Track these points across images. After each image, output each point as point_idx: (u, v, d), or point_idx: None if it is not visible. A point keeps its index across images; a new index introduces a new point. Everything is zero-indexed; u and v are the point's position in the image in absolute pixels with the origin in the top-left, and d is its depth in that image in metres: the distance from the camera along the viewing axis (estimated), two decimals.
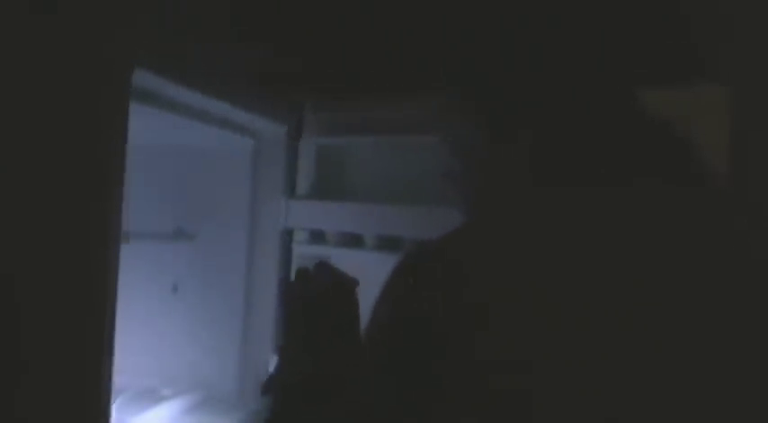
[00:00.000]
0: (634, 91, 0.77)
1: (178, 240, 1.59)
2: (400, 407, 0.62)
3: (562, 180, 0.68)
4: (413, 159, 1.53)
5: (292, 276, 1.03)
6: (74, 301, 0.81)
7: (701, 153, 0.74)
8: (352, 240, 1.52)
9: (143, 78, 0.98)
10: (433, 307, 0.61)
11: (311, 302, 0.89)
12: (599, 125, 0.72)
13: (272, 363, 0.92)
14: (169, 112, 1.23)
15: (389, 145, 1.55)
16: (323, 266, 0.94)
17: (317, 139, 1.59)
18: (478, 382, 0.58)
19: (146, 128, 1.26)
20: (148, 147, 1.51)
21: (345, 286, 0.92)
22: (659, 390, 0.58)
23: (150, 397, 1.46)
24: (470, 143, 0.77)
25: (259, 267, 1.58)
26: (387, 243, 1.46)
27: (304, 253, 1.59)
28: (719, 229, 0.67)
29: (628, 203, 0.65)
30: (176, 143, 1.59)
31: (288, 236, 1.61)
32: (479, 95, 0.75)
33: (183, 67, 1.10)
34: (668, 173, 0.70)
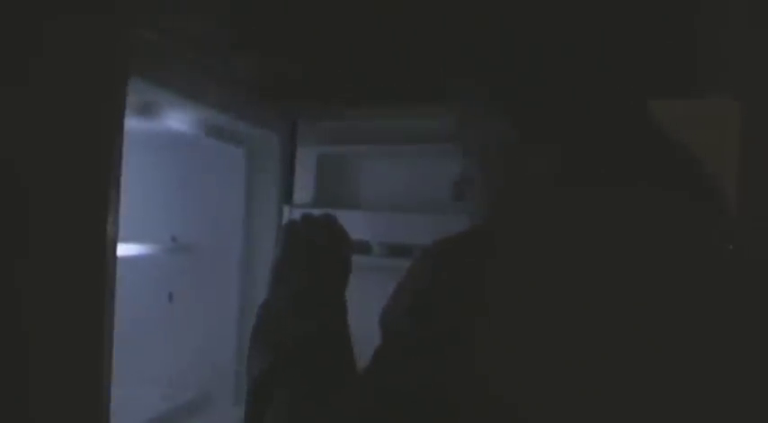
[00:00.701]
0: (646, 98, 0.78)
1: (173, 250, 1.60)
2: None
3: (589, 180, 0.69)
4: (415, 167, 1.54)
5: None
6: (70, 310, 0.82)
7: (704, 162, 0.75)
8: (358, 248, 1.52)
9: (135, 87, 0.99)
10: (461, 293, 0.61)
11: (314, 242, 0.92)
12: (625, 127, 0.73)
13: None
14: (163, 122, 1.24)
15: (390, 153, 1.55)
16: (329, 217, 1.00)
17: (318, 148, 1.59)
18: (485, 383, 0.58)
19: (141, 140, 1.26)
20: (144, 158, 1.51)
21: (345, 241, 0.98)
22: (670, 393, 0.58)
23: (147, 404, 1.46)
24: (495, 144, 0.77)
25: (254, 275, 1.58)
26: (393, 251, 1.47)
27: None
28: (716, 234, 0.69)
29: (648, 205, 0.65)
30: (171, 154, 1.59)
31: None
32: (508, 95, 0.75)
33: (176, 77, 1.11)
34: (681, 180, 0.71)
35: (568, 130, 0.72)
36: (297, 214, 1.58)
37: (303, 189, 1.61)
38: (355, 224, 1.50)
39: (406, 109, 1.44)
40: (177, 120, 1.28)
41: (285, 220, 1.58)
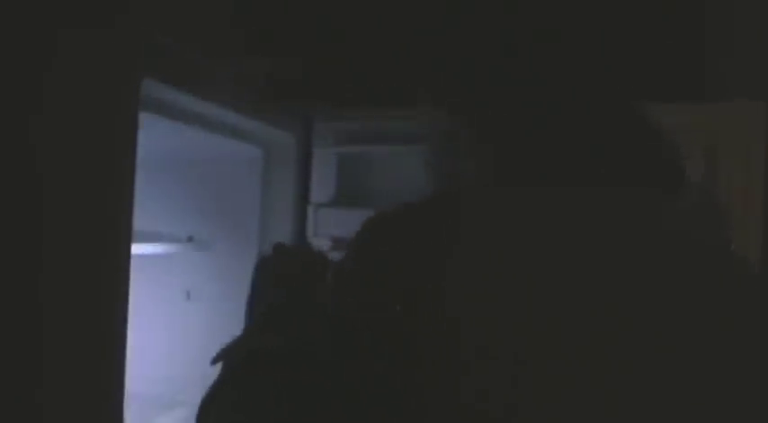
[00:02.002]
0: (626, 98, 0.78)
1: (191, 249, 1.61)
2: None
3: (526, 181, 0.71)
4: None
5: None
6: (85, 308, 0.83)
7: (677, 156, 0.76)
8: None
9: (152, 88, 1.00)
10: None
11: (287, 278, 0.90)
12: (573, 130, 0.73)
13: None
14: (179, 122, 1.25)
15: (408, 152, 1.55)
16: (300, 247, 0.96)
17: (337, 148, 1.60)
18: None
19: (158, 139, 1.28)
20: (161, 158, 1.53)
21: (320, 266, 0.94)
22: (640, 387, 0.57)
23: (163, 403, 1.48)
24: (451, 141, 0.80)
25: None
26: None
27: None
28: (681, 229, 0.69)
29: (592, 203, 0.66)
30: (188, 153, 1.60)
31: (302, 243, 1.62)
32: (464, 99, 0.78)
33: (192, 76, 1.12)
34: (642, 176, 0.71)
35: (507, 129, 0.74)
36: (320, 215, 1.59)
37: (322, 188, 1.62)
38: None
39: (424, 109, 1.44)
40: (193, 121, 1.28)
41: (310, 220, 1.59)
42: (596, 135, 0.73)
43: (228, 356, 0.81)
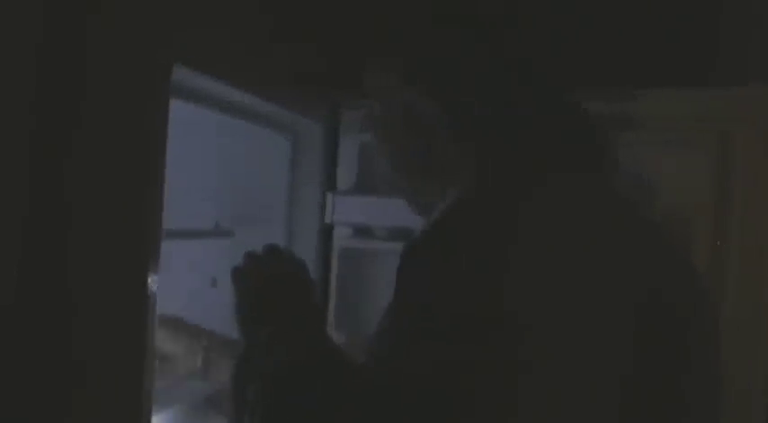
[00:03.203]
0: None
1: (217, 237, 1.61)
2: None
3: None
4: None
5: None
6: (113, 294, 0.83)
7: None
8: (401, 234, 1.52)
9: (181, 74, 1.00)
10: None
11: (262, 286, 0.87)
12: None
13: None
14: (206, 109, 1.25)
15: None
16: (272, 249, 0.94)
17: (361, 136, 1.60)
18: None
19: (185, 127, 1.28)
20: (188, 145, 1.53)
21: (296, 271, 0.91)
22: None
23: (191, 389, 1.48)
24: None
25: None
26: None
27: (348, 247, 1.60)
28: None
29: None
30: (215, 141, 1.61)
31: (328, 232, 1.62)
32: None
33: (222, 63, 1.12)
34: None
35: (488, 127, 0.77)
36: (342, 202, 1.58)
37: (346, 176, 1.61)
38: (397, 211, 1.50)
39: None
40: (222, 108, 1.29)
41: (329, 208, 1.58)
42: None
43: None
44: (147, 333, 0.87)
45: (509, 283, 0.61)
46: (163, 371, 1.17)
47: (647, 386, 0.64)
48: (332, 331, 1.36)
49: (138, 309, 0.86)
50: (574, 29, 0.79)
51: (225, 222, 1.63)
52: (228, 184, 1.63)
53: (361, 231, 1.60)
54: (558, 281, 0.61)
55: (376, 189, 1.59)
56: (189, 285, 1.61)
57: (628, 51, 0.76)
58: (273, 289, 0.86)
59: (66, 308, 0.76)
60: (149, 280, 0.87)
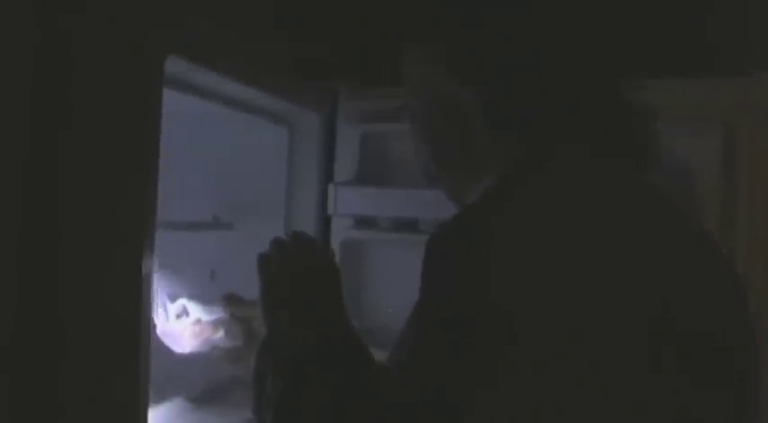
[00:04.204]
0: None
1: (215, 229, 1.60)
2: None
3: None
4: None
5: None
6: (109, 286, 0.82)
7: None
8: (405, 225, 1.51)
9: (177, 66, 0.98)
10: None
11: (286, 273, 0.86)
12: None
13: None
14: (204, 101, 1.23)
15: None
16: (300, 236, 0.92)
17: (359, 127, 1.58)
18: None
19: (183, 119, 1.26)
20: (186, 137, 1.51)
21: (323, 256, 0.91)
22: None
23: (190, 380, 1.48)
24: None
25: None
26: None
27: (350, 238, 1.59)
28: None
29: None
30: (213, 133, 1.59)
31: (327, 223, 1.61)
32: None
33: (216, 55, 1.10)
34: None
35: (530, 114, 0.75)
36: (343, 193, 1.57)
37: (345, 167, 1.60)
38: (399, 201, 1.49)
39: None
40: (218, 99, 1.27)
41: (331, 199, 1.57)
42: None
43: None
44: (142, 326, 0.86)
45: (531, 278, 0.59)
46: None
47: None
48: None
49: (134, 302, 0.86)
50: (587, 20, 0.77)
51: (223, 214, 1.62)
52: (227, 175, 1.62)
53: (364, 222, 1.59)
54: (583, 279, 0.59)
55: (378, 179, 1.58)
56: (188, 277, 1.60)
57: (635, 42, 0.74)
58: (297, 275, 0.85)
59: (60, 301, 0.75)
60: (144, 271, 0.86)
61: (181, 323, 1.29)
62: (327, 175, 1.61)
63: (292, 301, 0.83)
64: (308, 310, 0.81)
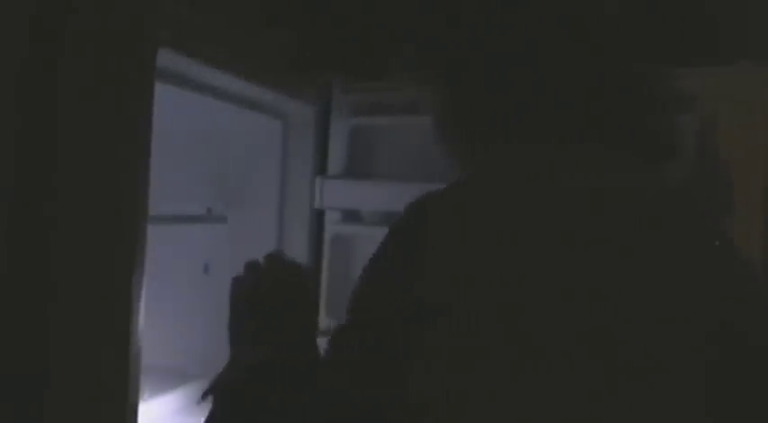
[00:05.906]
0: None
1: (209, 222, 1.60)
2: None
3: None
4: None
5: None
6: (99, 280, 0.82)
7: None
8: (392, 219, 1.50)
9: (169, 58, 0.98)
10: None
11: (261, 295, 0.85)
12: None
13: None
14: (197, 94, 1.23)
15: (425, 124, 1.53)
16: (274, 258, 0.90)
17: (351, 120, 1.58)
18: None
19: (176, 112, 1.26)
20: (180, 131, 1.51)
21: (299, 276, 0.89)
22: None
23: (178, 377, 1.48)
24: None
25: (289, 248, 1.58)
26: None
27: (338, 232, 1.59)
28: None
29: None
30: (207, 126, 1.59)
31: (319, 216, 1.61)
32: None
33: (209, 48, 1.10)
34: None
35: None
36: (332, 187, 1.57)
37: (336, 161, 1.60)
38: (387, 195, 1.49)
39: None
40: (210, 92, 1.27)
41: (318, 192, 1.57)
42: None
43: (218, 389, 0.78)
44: (132, 323, 0.86)
45: (474, 274, 0.59)
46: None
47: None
48: (323, 317, 1.36)
49: (127, 294, 0.86)
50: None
51: (216, 207, 1.62)
52: (220, 169, 1.62)
53: (351, 216, 1.59)
54: (553, 279, 0.57)
55: (367, 173, 1.57)
56: (182, 270, 1.60)
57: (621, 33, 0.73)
58: (264, 297, 0.84)
59: (48, 296, 0.75)
60: (136, 264, 0.86)
61: None
62: (322, 169, 1.60)
63: (252, 322, 0.83)
64: (265, 332, 0.81)
